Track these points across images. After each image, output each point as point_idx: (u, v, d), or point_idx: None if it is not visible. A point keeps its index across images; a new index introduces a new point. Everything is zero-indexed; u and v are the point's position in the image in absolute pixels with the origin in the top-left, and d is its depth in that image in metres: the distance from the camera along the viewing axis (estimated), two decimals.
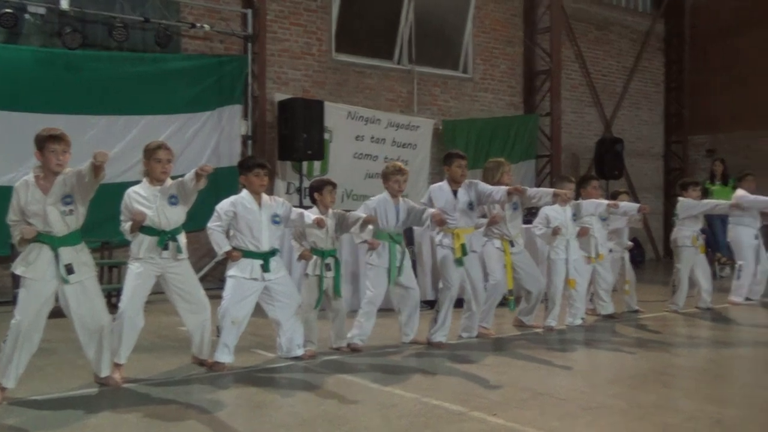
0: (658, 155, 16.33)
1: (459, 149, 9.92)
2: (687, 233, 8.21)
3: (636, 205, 7.43)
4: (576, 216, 7.26)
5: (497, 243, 6.75)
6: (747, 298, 8.93)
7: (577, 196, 7.49)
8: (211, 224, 5.38)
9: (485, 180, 6.68)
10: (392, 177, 6.09)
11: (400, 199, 6.14)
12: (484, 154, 12.55)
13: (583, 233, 7.32)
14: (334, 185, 6.04)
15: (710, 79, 15.56)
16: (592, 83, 14.95)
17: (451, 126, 12.60)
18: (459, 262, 6.23)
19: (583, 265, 7.37)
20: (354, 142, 11.41)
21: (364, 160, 11.44)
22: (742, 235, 8.88)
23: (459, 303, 6.51)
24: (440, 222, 5.90)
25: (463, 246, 6.20)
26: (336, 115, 11.07)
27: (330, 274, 5.88)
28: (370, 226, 6.00)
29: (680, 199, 8.35)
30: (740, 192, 8.93)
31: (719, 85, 15.36)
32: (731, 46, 15.20)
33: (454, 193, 6.30)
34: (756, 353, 6.29)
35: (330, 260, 5.88)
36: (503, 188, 6.21)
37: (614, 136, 14.58)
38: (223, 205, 5.40)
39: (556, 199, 6.32)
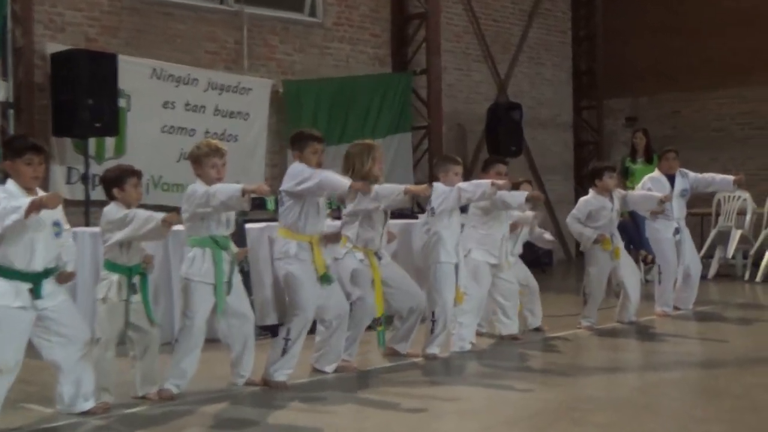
0: (566, 125, 17.00)
1: (306, 120, 9.96)
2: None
3: (522, 194, 7.51)
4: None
5: (359, 255, 6.84)
6: (675, 307, 9.49)
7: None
8: None
9: (348, 170, 6.75)
10: (207, 160, 5.98)
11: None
12: (340, 125, 12.64)
13: (512, 228, 7.84)
14: (138, 175, 5.93)
15: (629, 26, 16.31)
16: (480, 31, 15.35)
17: (295, 88, 12.61)
18: (326, 279, 6.30)
19: (484, 274, 7.61)
20: (162, 111, 11.21)
21: (177, 136, 11.26)
22: (658, 229, 9.42)
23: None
24: (263, 192, 5.85)
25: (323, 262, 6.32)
26: (135, 74, 10.83)
27: (136, 298, 5.80)
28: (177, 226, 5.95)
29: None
30: (647, 178, 9.54)
31: (640, 34, 16.12)
32: None
33: None
34: (687, 377, 6.72)
35: (136, 278, 5.80)
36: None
37: (510, 100, 15.07)
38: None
39: (408, 197, 6.62)
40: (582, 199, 8.77)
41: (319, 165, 6.34)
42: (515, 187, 8.26)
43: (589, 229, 8.50)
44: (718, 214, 13.20)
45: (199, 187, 5.91)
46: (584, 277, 8.69)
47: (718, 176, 9.64)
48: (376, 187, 6.60)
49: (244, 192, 5.64)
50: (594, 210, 8.55)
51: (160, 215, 5.59)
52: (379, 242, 6.92)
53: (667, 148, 9.67)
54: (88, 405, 5.48)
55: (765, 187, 13.73)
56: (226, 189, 5.76)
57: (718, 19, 15.11)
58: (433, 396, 6.05)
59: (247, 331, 6.20)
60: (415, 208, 10.59)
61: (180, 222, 5.80)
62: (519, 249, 8.46)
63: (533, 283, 8.43)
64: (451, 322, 7.26)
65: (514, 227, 7.97)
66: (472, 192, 7.07)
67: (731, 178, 9.39)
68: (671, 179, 9.37)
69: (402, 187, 6.70)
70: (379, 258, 6.92)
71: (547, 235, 8.69)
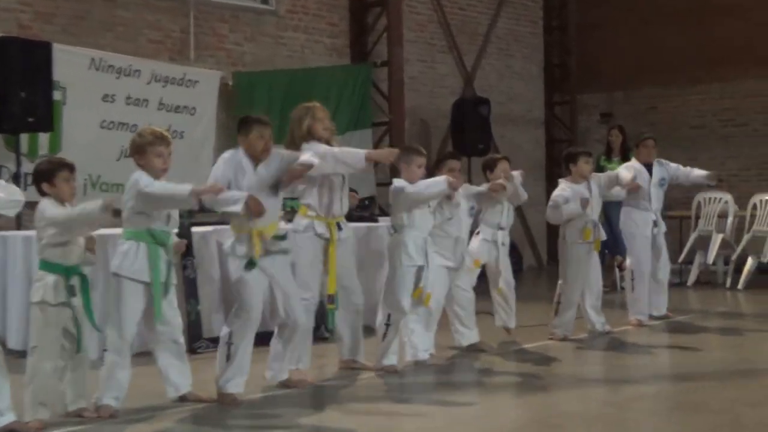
0: (537, 122, 17.09)
1: (259, 114, 9.90)
2: (579, 225, 8.57)
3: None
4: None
5: (320, 227, 6.82)
6: (650, 315, 9.53)
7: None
8: None
9: (290, 135, 6.85)
10: (152, 149, 5.94)
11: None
12: None
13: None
14: (71, 169, 5.89)
15: (604, 17, 16.43)
16: (446, 20, 15.39)
17: (246, 80, 12.59)
18: (251, 264, 6.21)
19: (442, 279, 7.58)
20: (101, 105, 11.14)
21: (117, 131, 11.19)
22: (636, 223, 9.46)
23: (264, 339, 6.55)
24: (215, 191, 5.88)
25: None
26: (72, 64, 10.75)
27: (76, 301, 5.71)
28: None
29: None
30: (623, 166, 9.58)
31: (615, 26, 16.25)
32: None
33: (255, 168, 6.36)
34: (664, 391, 6.79)
35: (75, 279, 5.72)
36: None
37: (478, 95, 15.11)
38: None
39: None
40: (555, 191, 8.68)
41: (266, 151, 6.32)
42: (493, 163, 8.32)
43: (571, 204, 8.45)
44: (698, 218, 13.28)
45: (143, 176, 5.87)
46: (558, 285, 8.65)
47: (696, 170, 9.82)
48: (335, 151, 6.71)
49: (192, 194, 5.69)
50: (568, 198, 8.47)
51: (98, 202, 5.54)
52: (340, 208, 6.94)
53: (646, 136, 9.69)
54: (4, 420, 5.34)
55: (747, 188, 13.86)
56: (173, 189, 5.79)
57: (698, 10, 15.24)
58: (395, 413, 6.04)
59: (174, 338, 6.12)
60: (376, 210, 10.60)
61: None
62: (510, 219, 8.50)
63: (510, 289, 8.43)
64: (402, 327, 7.25)
65: (488, 198, 8.08)
66: (424, 192, 7.12)
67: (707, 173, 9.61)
68: (649, 168, 9.43)
69: (363, 152, 6.81)
70: (340, 228, 6.93)
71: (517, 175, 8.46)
